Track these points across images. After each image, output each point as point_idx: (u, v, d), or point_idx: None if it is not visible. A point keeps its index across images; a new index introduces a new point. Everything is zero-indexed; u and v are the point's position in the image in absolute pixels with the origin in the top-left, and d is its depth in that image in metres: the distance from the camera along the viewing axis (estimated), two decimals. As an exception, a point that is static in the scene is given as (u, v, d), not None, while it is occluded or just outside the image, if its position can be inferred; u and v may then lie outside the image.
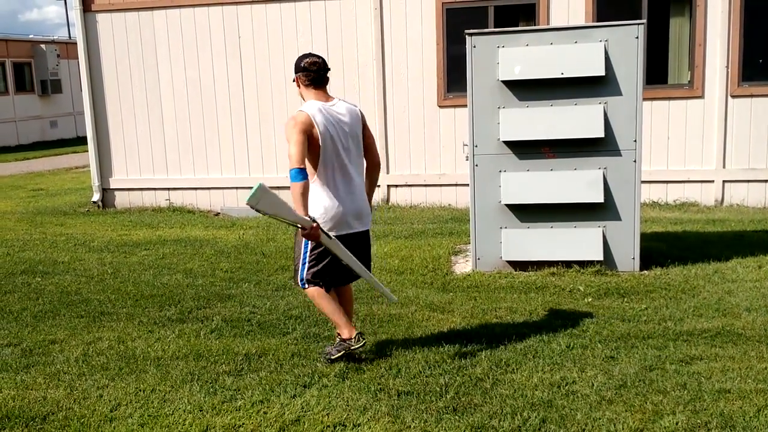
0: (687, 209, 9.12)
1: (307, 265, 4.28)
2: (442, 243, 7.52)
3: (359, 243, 4.38)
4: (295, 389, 4.04)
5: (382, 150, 9.91)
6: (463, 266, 6.68)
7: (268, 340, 4.86)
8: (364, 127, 4.36)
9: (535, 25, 9.25)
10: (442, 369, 4.24)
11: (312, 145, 4.10)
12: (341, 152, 4.19)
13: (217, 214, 10.30)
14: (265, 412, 3.78)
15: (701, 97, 9.17)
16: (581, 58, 6.06)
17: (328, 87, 4.35)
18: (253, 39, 10.01)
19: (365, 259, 4.44)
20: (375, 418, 3.67)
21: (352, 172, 4.25)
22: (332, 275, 4.36)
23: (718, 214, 8.80)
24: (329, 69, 4.35)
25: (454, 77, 9.42)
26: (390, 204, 10.02)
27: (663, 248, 6.94)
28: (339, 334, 4.39)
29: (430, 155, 9.86)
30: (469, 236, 6.73)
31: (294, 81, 4.32)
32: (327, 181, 4.18)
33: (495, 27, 9.25)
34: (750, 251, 6.76)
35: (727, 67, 9.04)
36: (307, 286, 4.33)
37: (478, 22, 9.24)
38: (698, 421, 3.53)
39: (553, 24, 9.14)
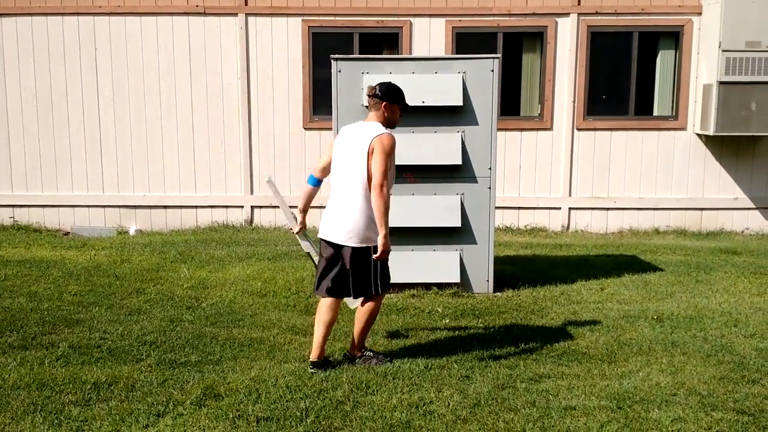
0: (536, 234, 9.65)
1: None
2: (305, 265, 7.50)
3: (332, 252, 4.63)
4: (148, 418, 3.87)
5: (247, 170, 9.79)
6: (325, 289, 6.69)
7: (120, 367, 4.63)
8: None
9: (398, 52, 9.51)
10: (303, 393, 4.22)
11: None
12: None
13: (67, 233, 9.73)
14: (115, 444, 3.59)
15: (550, 129, 9.78)
16: (441, 88, 6.30)
17: None
18: (110, 52, 9.60)
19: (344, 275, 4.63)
20: (233, 445, 3.59)
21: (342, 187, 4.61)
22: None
23: (564, 239, 9.38)
24: None
25: (320, 100, 9.49)
26: (254, 225, 9.89)
27: (515, 271, 7.30)
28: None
29: (295, 176, 9.83)
30: (331, 259, 6.75)
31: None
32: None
33: (360, 53, 9.44)
34: (593, 274, 7.25)
35: (574, 101, 9.70)
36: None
37: (343, 47, 9.39)
38: (545, 436, 3.72)
39: (416, 53, 9.44)
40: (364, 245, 4.53)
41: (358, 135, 4.57)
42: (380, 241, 4.43)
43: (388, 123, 4.64)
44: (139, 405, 4.03)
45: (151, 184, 9.84)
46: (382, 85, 4.64)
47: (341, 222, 4.55)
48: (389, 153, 4.48)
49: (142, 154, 9.79)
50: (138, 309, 5.99)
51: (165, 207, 9.88)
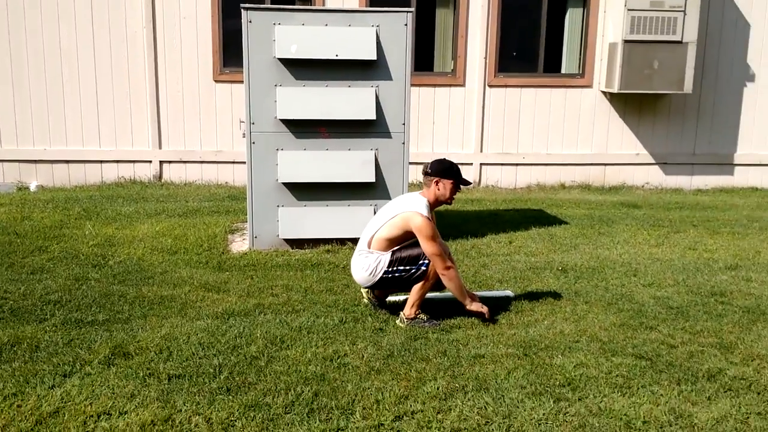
0: (450, 189, 9.79)
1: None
2: (218, 221, 7.38)
3: None
4: (54, 379, 3.76)
5: (154, 124, 9.46)
6: (239, 245, 6.62)
7: (23, 327, 4.46)
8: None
9: (311, 4, 9.33)
10: (216, 350, 4.19)
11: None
12: None
13: (-39, 189, 9.19)
14: (19, 406, 3.48)
15: (463, 85, 9.86)
16: (355, 42, 6.24)
17: None
18: (3, -5, 9.01)
19: None
20: (143, 404, 3.53)
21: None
22: None
23: (476, 194, 9.57)
24: None
25: (231, 52, 9.22)
26: (163, 181, 9.61)
27: (428, 225, 7.40)
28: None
29: (205, 131, 9.59)
30: (246, 214, 6.68)
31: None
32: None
33: (272, 3, 9.20)
34: (502, 228, 7.46)
35: (486, 58, 9.81)
36: None
37: (255, -3, 9.13)
38: (456, 384, 3.84)
39: (329, 5, 9.29)
40: (369, 285, 4.85)
41: (398, 203, 4.79)
42: (476, 308, 4.71)
43: (441, 199, 4.72)
44: (44, 366, 3.91)
45: (52, 137, 9.38)
46: (433, 162, 4.74)
47: (354, 273, 4.90)
48: (432, 236, 4.59)
49: (41, 106, 9.29)
50: (41, 267, 5.75)
51: (67, 161, 9.45)
